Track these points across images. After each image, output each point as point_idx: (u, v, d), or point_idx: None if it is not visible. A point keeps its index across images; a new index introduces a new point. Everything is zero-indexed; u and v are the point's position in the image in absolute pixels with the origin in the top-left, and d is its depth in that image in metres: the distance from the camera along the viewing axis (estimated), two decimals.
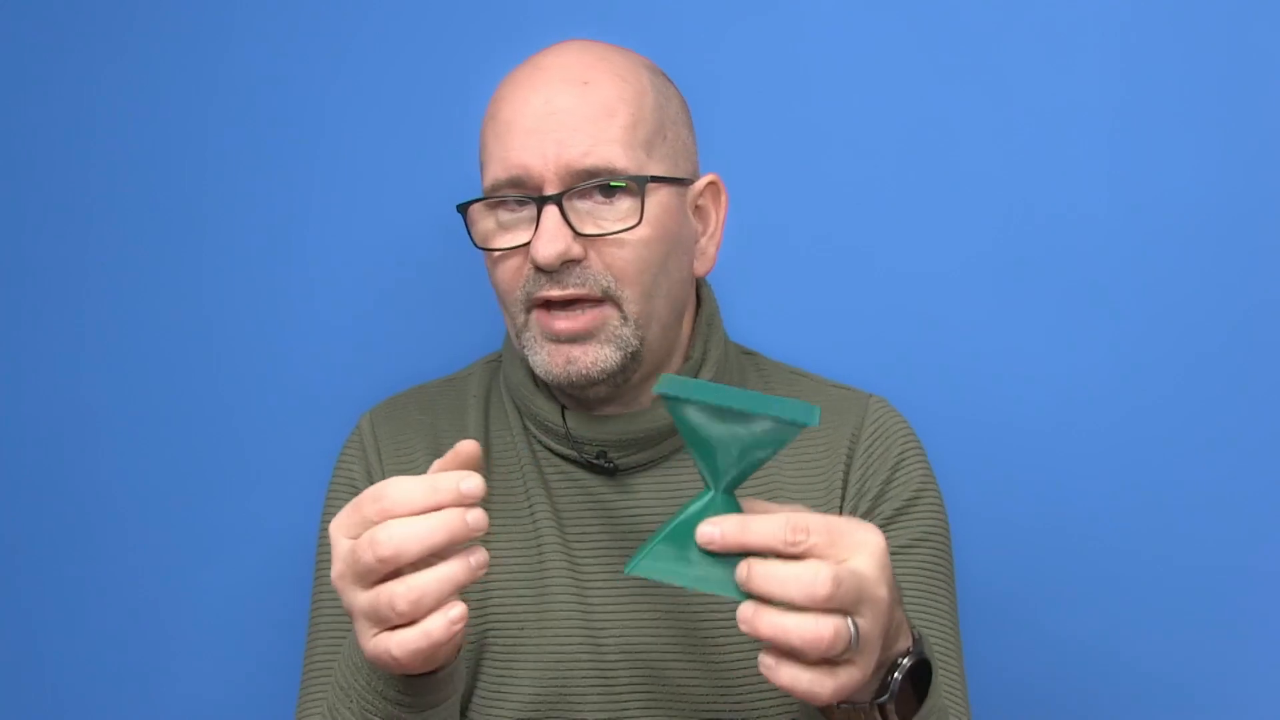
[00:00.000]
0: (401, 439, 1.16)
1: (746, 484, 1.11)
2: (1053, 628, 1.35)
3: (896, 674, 0.87)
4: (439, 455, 1.14)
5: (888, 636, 0.84)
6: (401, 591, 0.82)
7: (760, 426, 0.82)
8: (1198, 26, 1.32)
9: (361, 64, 1.42)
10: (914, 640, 0.90)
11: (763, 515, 0.81)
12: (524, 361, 1.13)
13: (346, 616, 1.10)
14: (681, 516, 0.85)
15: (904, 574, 1.10)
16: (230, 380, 1.43)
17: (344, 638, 1.10)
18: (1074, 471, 1.35)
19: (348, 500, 1.13)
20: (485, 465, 1.14)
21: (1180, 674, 1.34)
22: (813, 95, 1.38)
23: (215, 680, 1.44)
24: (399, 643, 0.83)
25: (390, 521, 0.82)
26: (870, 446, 1.13)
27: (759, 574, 0.79)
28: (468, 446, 0.86)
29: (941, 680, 1.05)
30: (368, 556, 0.82)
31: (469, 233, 1.07)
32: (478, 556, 0.84)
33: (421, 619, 0.82)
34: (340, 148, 1.42)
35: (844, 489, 1.12)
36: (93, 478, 1.45)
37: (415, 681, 0.91)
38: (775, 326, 1.37)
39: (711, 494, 0.86)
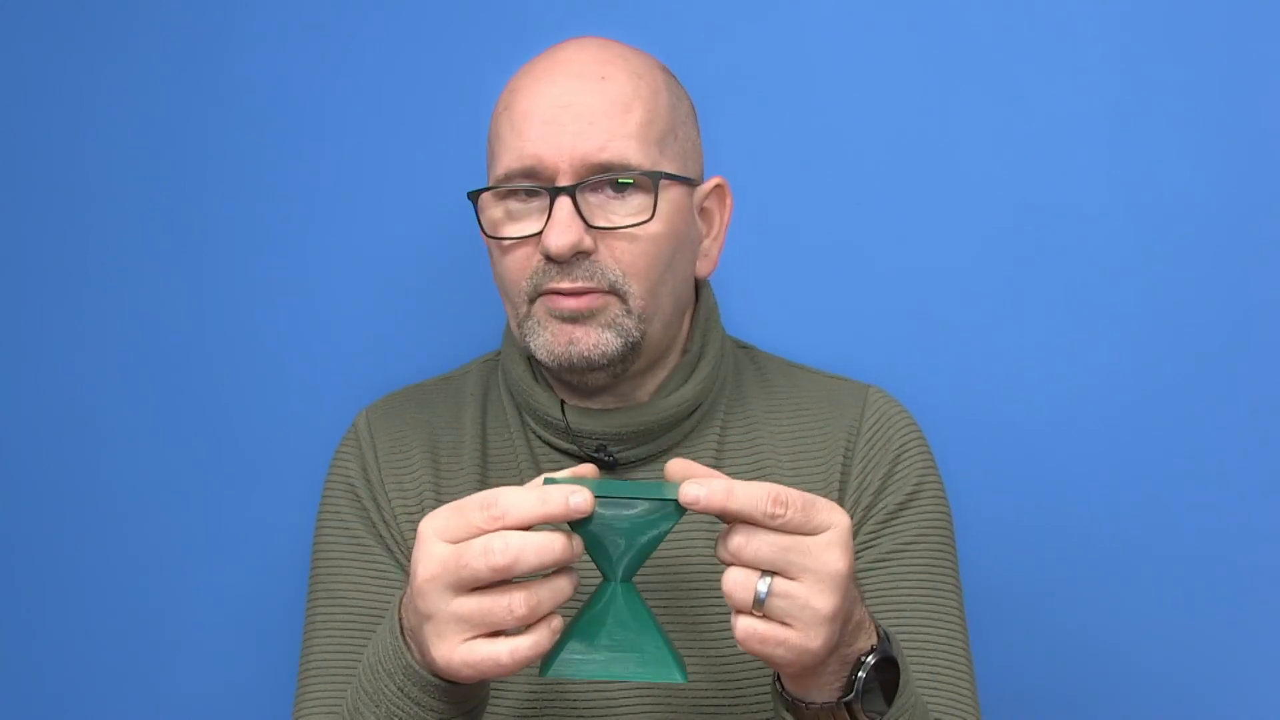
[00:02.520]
0: (398, 437, 1.16)
1: (745, 479, 1.10)
2: (1056, 624, 1.35)
3: (861, 672, 0.90)
4: (435, 454, 1.14)
5: (848, 623, 0.88)
6: (522, 598, 0.83)
7: (640, 509, 0.86)
8: (1198, 26, 1.32)
9: (360, 64, 1.42)
10: (879, 639, 0.91)
11: (748, 484, 0.84)
12: (524, 356, 1.13)
13: (343, 617, 1.11)
14: (586, 614, 0.88)
15: (907, 571, 1.10)
16: (229, 379, 1.43)
17: (342, 637, 1.10)
18: (1077, 468, 1.35)
19: (344, 498, 1.14)
20: (483, 463, 1.14)
21: (1183, 670, 1.34)
22: (814, 93, 1.38)
23: (214, 679, 1.44)
24: (513, 650, 0.84)
25: (508, 532, 0.82)
26: (871, 439, 1.13)
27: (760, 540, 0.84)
28: (588, 468, 0.91)
29: (947, 678, 1.06)
30: (479, 564, 0.82)
31: (478, 220, 1.07)
32: (574, 577, 0.87)
33: (533, 628, 0.84)
34: (339, 147, 1.42)
35: (843, 481, 1.11)
36: (91, 477, 1.45)
37: (454, 690, 0.91)
38: (776, 323, 1.37)
39: (611, 585, 0.88)
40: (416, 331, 1.41)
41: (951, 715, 1.06)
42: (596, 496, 0.84)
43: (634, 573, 0.89)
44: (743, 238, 1.32)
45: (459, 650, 0.84)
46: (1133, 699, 1.35)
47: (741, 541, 0.84)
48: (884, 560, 1.10)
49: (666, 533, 0.87)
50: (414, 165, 1.41)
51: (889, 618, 1.07)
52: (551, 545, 0.83)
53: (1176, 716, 1.34)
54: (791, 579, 0.84)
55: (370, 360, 1.41)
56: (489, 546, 0.82)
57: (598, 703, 1.07)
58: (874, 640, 0.91)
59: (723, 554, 0.86)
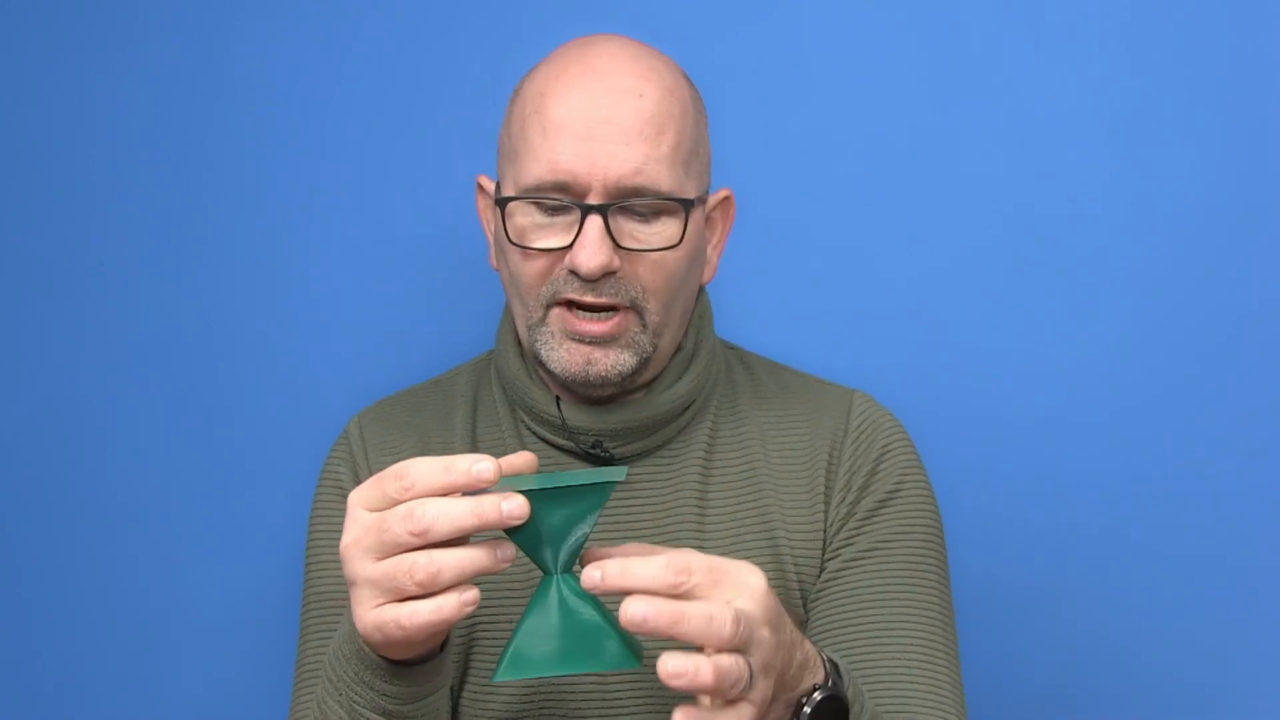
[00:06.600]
0: (389, 441, 1.16)
1: (734, 474, 1.12)
2: (1050, 624, 1.35)
3: (806, 708, 0.88)
4: (426, 455, 1.14)
5: (783, 676, 0.85)
6: (424, 562, 0.83)
7: (574, 498, 0.85)
8: (1198, 26, 1.32)
9: (356, 68, 1.42)
10: (826, 675, 0.90)
11: (643, 558, 0.81)
12: (520, 353, 1.14)
13: (335, 618, 1.10)
14: (531, 611, 0.87)
15: (887, 567, 1.09)
16: (225, 381, 1.43)
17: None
18: (1070, 470, 1.35)
19: (336, 503, 1.15)
20: None
21: (1177, 668, 1.34)
22: (808, 94, 1.38)
23: (211, 679, 1.43)
24: (409, 613, 0.84)
25: (428, 499, 0.83)
26: (855, 441, 1.13)
27: (664, 611, 0.78)
28: (524, 457, 0.90)
29: (923, 674, 1.05)
30: (399, 529, 0.83)
31: (504, 225, 1.07)
32: (505, 550, 0.86)
33: (437, 594, 0.84)
34: (336, 152, 1.42)
35: (827, 485, 1.12)
36: (88, 478, 1.45)
37: (404, 670, 0.91)
38: (768, 325, 1.37)
39: (552, 578, 0.88)
40: (412, 335, 1.41)
41: (927, 712, 1.05)
42: (525, 492, 0.84)
43: (573, 563, 0.88)
44: (736, 239, 1.32)
45: (370, 614, 0.85)
46: (1128, 698, 1.34)
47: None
48: (863, 556, 1.09)
49: (594, 522, 0.86)
50: (410, 170, 1.41)
51: (866, 613, 1.07)
52: (467, 512, 0.83)
53: (1171, 715, 1.34)
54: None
55: (366, 363, 1.41)
56: (410, 512, 0.83)
57: (594, 700, 1.06)
58: (819, 678, 0.90)
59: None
